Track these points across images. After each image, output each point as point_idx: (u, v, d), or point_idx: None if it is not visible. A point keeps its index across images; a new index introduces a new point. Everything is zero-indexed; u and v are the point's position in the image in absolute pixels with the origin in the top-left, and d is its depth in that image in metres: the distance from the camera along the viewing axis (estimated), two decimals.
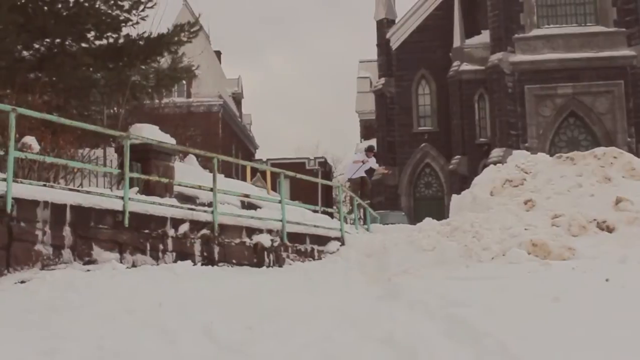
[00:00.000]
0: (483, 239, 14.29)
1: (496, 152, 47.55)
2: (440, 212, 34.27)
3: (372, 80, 69.06)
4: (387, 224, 25.87)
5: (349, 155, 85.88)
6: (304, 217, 18.04)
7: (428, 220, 19.09)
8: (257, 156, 74.33)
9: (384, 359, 8.35)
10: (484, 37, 52.49)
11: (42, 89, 18.36)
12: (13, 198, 10.80)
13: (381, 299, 11.89)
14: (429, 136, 55.63)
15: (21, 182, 11.33)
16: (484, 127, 51.88)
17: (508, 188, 18.44)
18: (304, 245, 16.70)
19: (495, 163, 27.10)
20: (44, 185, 11.82)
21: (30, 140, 13.39)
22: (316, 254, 16.95)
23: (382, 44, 58.04)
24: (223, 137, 50.45)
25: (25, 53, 19.53)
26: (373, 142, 57.99)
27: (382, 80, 57.35)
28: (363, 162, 25.08)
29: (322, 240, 17.43)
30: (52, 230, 11.34)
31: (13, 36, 18.10)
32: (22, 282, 10.47)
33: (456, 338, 8.28)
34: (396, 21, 58.65)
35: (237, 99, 70.22)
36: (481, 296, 10.22)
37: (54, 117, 13.04)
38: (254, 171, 40.59)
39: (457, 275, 12.33)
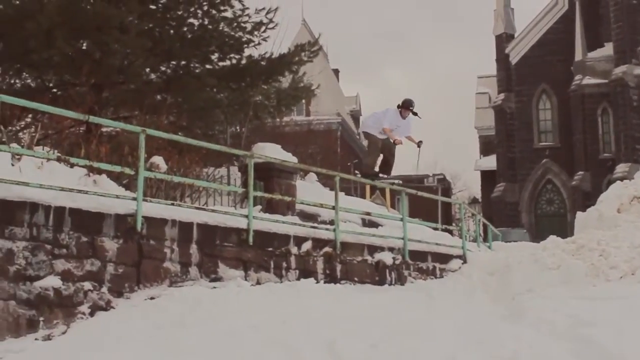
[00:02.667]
0: (610, 257, 13.89)
1: (621, 168, 46.24)
2: (563, 230, 33.52)
3: (491, 95, 68.20)
4: (509, 241, 25.45)
5: (468, 171, 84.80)
6: (425, 235, 17.93)
7: (552, 238, 18.64)
8: None
9: None
10: (607, 49, 51.24)
11: (168, 110, 18.90)
12: (143, 216, 11.14)
13: (505, 318, 11.71)
14: (550, 152, 54.57)
15: (150, 201, 11.67)
16: (608, 142, 50.59)
17: (636, 205, 17.89)
18: (426, 263, 16.59)
19: (620, 179, 26.30)
20: (172, 204, 12.14)
21: (158, 160, 13.79)
22: (438, 272, 16.81)
23: (501, 59, 57.35)
24: (342, 154, 50.69)
25: (152, 76, 20.17)
26: (492, 159, 57.16)
27: (502, 95, 56.63)
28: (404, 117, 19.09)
29: (444, 258, 17.28)
30: (180, 248, 11.62)
31: (141, 60, 18.72)
32: (152, 298, 10.78)
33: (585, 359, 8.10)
34: (515, 35, 57.86)
35: (355, 116, 70.49)
36: (610, 316, 9.94)
37: (180, 138, 13.42)
38: (373, 188, 40.61)
39: (584, 294, 12.03)
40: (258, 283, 12.41)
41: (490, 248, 20.79)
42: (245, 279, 12.16)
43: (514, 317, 11.56)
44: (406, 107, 18.74)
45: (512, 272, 15.60)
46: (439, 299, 13.27)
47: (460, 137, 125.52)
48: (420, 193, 18.95)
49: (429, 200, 24.03)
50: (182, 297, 10.75)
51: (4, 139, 11.63)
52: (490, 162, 58.98)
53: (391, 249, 15.61)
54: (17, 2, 18.68)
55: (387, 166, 19.64)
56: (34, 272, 9.78)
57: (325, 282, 13.51)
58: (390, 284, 15.10)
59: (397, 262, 15.58)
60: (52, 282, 9.90)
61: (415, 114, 18.88)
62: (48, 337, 9.52)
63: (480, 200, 61.04)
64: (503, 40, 57.58)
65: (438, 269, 16.87)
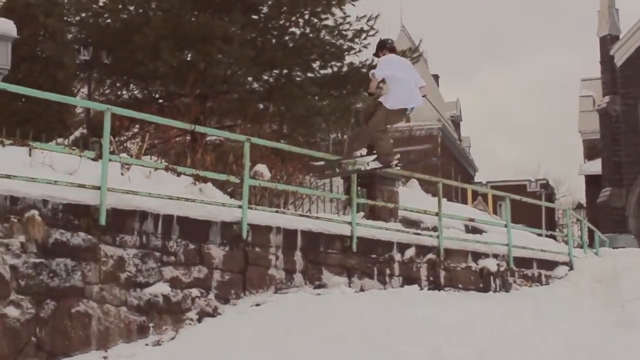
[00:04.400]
0: None
1: None
2: None
3: (595, 98, 66.61)
4: (616, 247, 24.79)
5: (572, 176, 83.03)
6: (529, 241, 17.66)
7: None
8: (476, 179, 73.56)
9: None
10: None
11: (271, 119, 19.13)
12: (248, 224, 11.30)
13: (615, 326, 11.45)
14: None
15: (255, 209, 11.82)
16: None
17: None
18: (531, 270, 16.34)
19: None
20: (276, 212, 12.28)
21: (261, 168, 13.94)
22: (543, 278, 16.54)
23: (606, 60, 55.91)
24: (443, 160, 50.34)
25: (255, 85, 20.47)
26: (597, 163, 55.87)
27: (607, 98, 55.24)
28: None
29: (550, 264, 16.98)
30: (284, 255, 11.75)
31: (244, 69, 19.03)
32: (257, 305, 10.91)
33: None
34: (620, 37, 56.40)
35: (456, 121, 69.89)
36: None
37: (284, 145, 13.59)
38: (475, 194, 40.24)
39: None
40: (362, 290, 12.44)
41: (598, 254, 20.32)
42: (349, 286, 12.20)
43: (624, 325, 11.30)
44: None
45: (620, 279, 15.24)
46: (545, 307, 13.04)
47: (564, 142, 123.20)
48: (524, 199, 18.66)
49: (532, 206, 23.65)
50: (287, 303, 10.85)
51: (113, 149, 11.96)
52: (595, 167, 57.61)
53: (495, 256, 15.43)
54: (125, 16, 19.21)
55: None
56: (144, 279, 10.02)
57: (429, 289, 13.44)
58: (495, 291, 14.93)
59: (502, 268, 15.39)
60: (161, 288, 10.13)
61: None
62: (158, 343, 9.73)
63: (585, 205, 59.65)
64: (607, 41, 56.12)
65: (544, 275, 16.59)
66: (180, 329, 10.08)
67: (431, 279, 13.87)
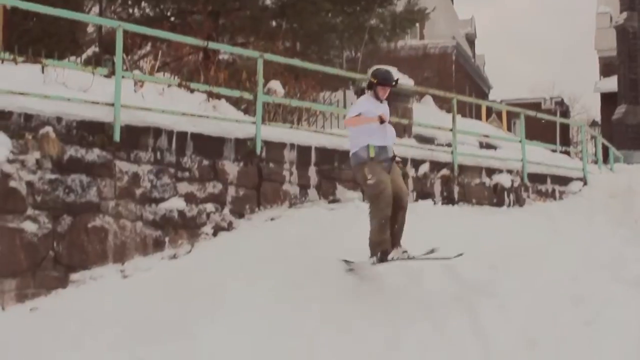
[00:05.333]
0: None
1: None
2: None
3: (612, 15, 65.66)
4: (632, 163, 24.70)
5: (587, 94, 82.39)
6: (543, 157, 17.64)
7: None
8: (490, 97, 73.07)
9: (635, 301, 8.10)
10: None
11: (283, 36, 18.92)
12: (262, 140, 11.31)
13: (628, 241, 11.50)
14: None
15: (269, 125, 11.81)
16: None
17: None
18: (545, 186, 16.35)
19: None
20: (290, 128, 12.27)
21: (275, 85, 13.89)
22: (557, 194, 16.55)
23: None
24: (457, 78, 49.94)
25: (268, 2, 20.16)
26: (613, 80, 55.45)
27: (624, 14, 54.35)
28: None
29: (564, 180, 16.98)
30: (298, 171, 11.79)
31: None
32: (272, 219, 11.00)
33: None
34: None
35: (470, 39, 69.09)
36: None
37: (297, 62, 13.46)
38: (489, 111, 40.02)
39: None
40: None
41: (612, 170, 20.28)
42: (363, 201, 12.23)
43: (637, 239, 11.33)
44: (383, 83, 9.25)
45: (634, 194, 15.25)
46: (559, 221, 13.09)
47: (579, 59, 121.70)
48: (539, 115, 18.56)
49: (546, 124, 23.53)
50: (301, 218, 10.92)
51: (126, 67, 11.90)
52: (611, 84, 57.03)
53: (509, 171, 15.42)
54: None
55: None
56: (159, 195, 10.08)
57: (442, 204, 13.49)
58: (509, 206, 14.97)
59: (516, 184, 15.40)
60: (176, 204, 10.20)
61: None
62: (174, 256, 9.85)
63: (599, 123, 59.29)
64: None
65: (557, 191, 16.60)
66: (196, 243, 10.18)
67: (445, 194, 13.90)
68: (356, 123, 9.02)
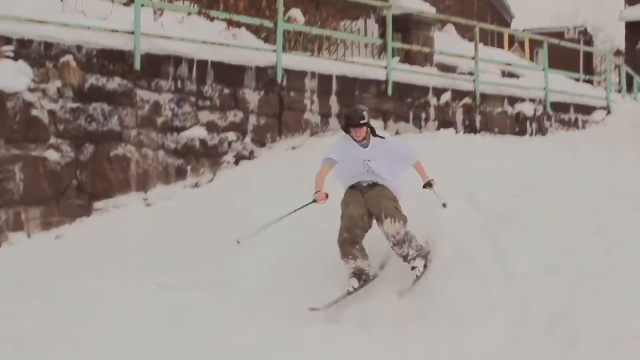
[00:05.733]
0: None
1: None
2: None
3: None
4: None
5: (611, 23, 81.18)
6: (567, 86, 17.46)
7: None
8: (512, 26, 72.16)
9: None
10: None
11: None
12: (283, 69, 11.24)
13: None
14: None
15: (290, 54, 11.72)
16: None
17: None
18: (568, 115, 16.22)
19: None
20: (311, 56, 12.18)
21: (295, 13, 13.73)
22: (580, 123, 16.44)
23: None
24: (479, 7, 49.27)
25: None
26: (638, 8, 54.45)
27: None
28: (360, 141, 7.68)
29: (587, 109, 16.83)
30: (320, 100, 11.75)
31: None
32: (293, 148, 11.01)
33: None
34: None
35: None
36: None
37: None
38: (512, 40, 39.53)
39: None
40: (397, 133, 12.44)
41: (636, 99, 20.07)
42: (385, 130, 12.20)
43: None
44: (351, 124, 7.57)
45: None
46: (582, 151, 12.98)
47: None
48: (562, 43, 18.31)
49: (569, 54, 23.21)
50: (323, 147, 10.85)
51: None
52: (636, 13, 56.05)
53: (532, 100, 15.30)
54: None
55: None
56: (180, 124, 10.09)
57: (464, 133, 13.42)
58: (531, 136, 14.88)
59: (538, 113, 15.29)
60: (198, 133, 10.22)
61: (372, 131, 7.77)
62: (196, 185, 9.91)
63: (624, 52, 58.52)
64: None
65: (581, 120, 16.49)
66: (218, 171, 10.23)
67: (467, 123, 13.83)
68: (317, 177, 7.55)
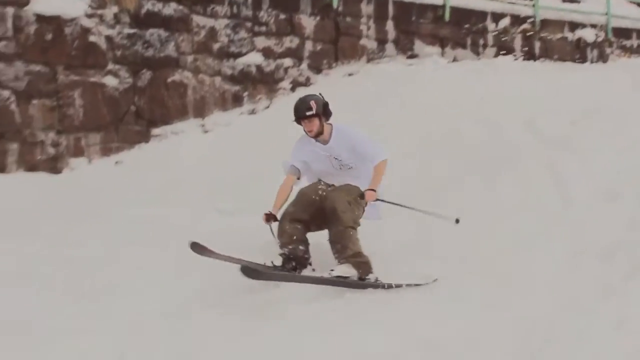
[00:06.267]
0: None
1: None
2: None
3: None
4: None
5: None
6: (629, 12, 16.96)
7: None
8: None
9: None
10: None
11: None
12: None
13: None
14: None
15: None
16: None
17: None
18: (630, 41, 15.79)
19: None
20: None
21: None
22: None
23: None
24: None
25: None
26: None
27: None
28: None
29: None
30: (376, 25, 11.60)
31: None
32: (349, 74, 10.93)
33: None
34: None
35: None
36: None
37: None
38: None
39: None
40: (454, 60, 12.28)
41: None
42: (442, 56, 12.05)
43: None
44: (298, 116, 6.44)
45: None
46: None
47: None
48: None
49: None
50: (379, 73, 10.82)
51: None
52: None
53: (593, 26, 14.92)
54: None
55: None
56: (236, 49, 10.07)
57: (523, 60, 13.19)
58: (591, 62, 14.56)
59: (599, 39, 14.92)
60: (253, 58, 10.20)
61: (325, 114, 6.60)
62: (252, 111, 9.92)
63: None
64: None
65: None
66: (274, 98, 10.23)
67: (525, 49, 13.57)
68: (279, 190, 6.40)
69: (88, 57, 8.74)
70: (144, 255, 6.19)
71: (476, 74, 11.07)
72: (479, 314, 5.05)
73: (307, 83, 10.64)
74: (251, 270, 5.40)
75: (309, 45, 10.79)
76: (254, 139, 8.91)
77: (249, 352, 4.56)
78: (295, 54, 10.64)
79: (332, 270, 5.84)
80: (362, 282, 5.90)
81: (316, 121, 6.26)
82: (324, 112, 6.34)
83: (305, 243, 6.16)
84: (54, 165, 8.58)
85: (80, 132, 8.66)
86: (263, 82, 10.23)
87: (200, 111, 9.58)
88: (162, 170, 8.35)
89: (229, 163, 8.52)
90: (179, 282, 5.68)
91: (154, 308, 5.20)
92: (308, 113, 6.25)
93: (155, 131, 9.19)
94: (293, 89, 10.43)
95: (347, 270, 5.88)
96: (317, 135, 6.31)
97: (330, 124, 6.41)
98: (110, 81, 8.88)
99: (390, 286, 5.85)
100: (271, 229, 6.06)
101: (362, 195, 6.14)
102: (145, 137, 9.12)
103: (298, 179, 6.46)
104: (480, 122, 8.83)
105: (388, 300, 5.47)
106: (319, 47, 10.90)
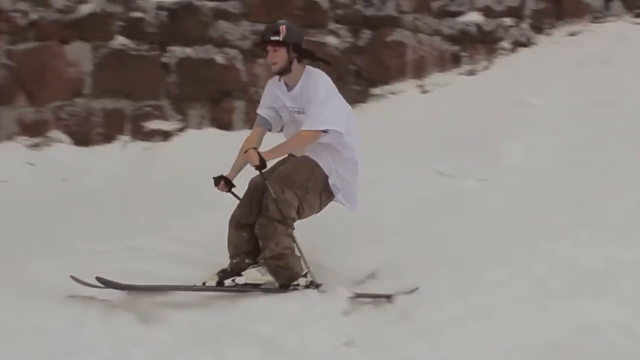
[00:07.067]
0: None
1: None
2: None
3: None
4: None
5: None
6: None
7: None
8: None
9: None
10: None
11: None
12: None
13: None
14: None
15: None
16: None
17: None
18: None
19: None
20: None
21: None
22: None
23: None
24: None
25: None
26: None
27: None
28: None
29: None
30: None
31: None
32: (572, 34, 10.54)
33: None
34: None
35: None
36: None
37: None
38: None
39: None
40: None
41: None
42: None
43: None
44: (261, 40, 5.18)
45: None
46: None
47: None
48: None
49: None
50: (605, 33, 10.37)
51: None
52: None
53: None
54: None
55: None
56: (456, 8, 9.94)
57: None
58: None
59: None
60: (473, 17, 10.03)
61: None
62: (471, 72, 9.79)
63: None
64: None
65: None
66: (494, 58, 10.03)
67: None
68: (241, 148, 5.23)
69: (310, 17, 8.87)
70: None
71: None
72: None
73: (528, 43, 10.33)
74: (108, 281, 4.48)
75: (530, 4, 10.46)
76: (473, 100, 8.79)
77: None
78: (516, 12, 10.35)
79: (239, 275, 4.87)
80: (281, 289, 4.92)
81: (282, 52, 4.99)
82: (297, 45, 5.03)
83: (253, 254, 5.02)
84: None
85: None
86: (482, 42, 10.02)
87: (419, 71, 9.53)
88: (381, 130, 8.37)
89: (447, 124, 8.46)
90: None
91: None
92: (273, 37, 4.96)
93: (374, 91, 9.25)
94: (513, 50, 10.17)
95: (257, 277, 4.88)
96: (282, 73, 5.09)
97: (305, 67, 5.17)
98: (331, 40, 9.00)
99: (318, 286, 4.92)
100: (233, 193, 5.10)
101: (321, 175, 5.08)
102: (364, 96, 9.19)
103: (270, 131, 5.32)
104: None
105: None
106: (541, 6, 10.54)
